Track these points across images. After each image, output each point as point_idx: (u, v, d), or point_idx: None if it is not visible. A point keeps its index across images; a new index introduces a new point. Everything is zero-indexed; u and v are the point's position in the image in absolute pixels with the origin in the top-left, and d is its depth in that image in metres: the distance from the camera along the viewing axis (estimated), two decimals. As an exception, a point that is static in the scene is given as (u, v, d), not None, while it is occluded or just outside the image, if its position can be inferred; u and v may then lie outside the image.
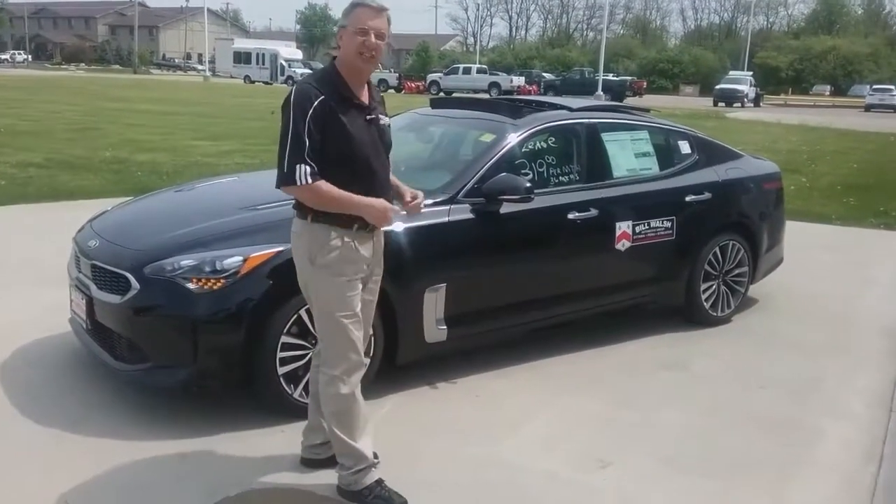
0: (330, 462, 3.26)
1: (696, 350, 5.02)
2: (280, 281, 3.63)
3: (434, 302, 4.10)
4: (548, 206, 4.48)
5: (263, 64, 56.04)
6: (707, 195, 5.29)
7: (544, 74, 55.35)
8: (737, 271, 5.53)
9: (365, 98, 2.95)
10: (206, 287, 3.59)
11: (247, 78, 55.50)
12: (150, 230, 4.01)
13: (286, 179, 2.82)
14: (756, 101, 48.36)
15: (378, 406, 3.98)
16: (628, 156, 5.08)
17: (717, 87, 48.44)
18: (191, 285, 3.59)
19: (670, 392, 4.37)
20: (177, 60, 80.00)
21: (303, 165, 2.76)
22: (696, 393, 4.37)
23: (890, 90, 49.57)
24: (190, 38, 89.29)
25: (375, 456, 3.18)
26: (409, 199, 3.17)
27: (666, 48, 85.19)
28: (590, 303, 4.82)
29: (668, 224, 5.05)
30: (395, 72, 55.63)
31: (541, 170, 4.64)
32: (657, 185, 5.13)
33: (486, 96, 38.50)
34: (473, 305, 4.28)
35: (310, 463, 3.38)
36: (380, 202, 2.92)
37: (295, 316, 3.69)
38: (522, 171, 4.53)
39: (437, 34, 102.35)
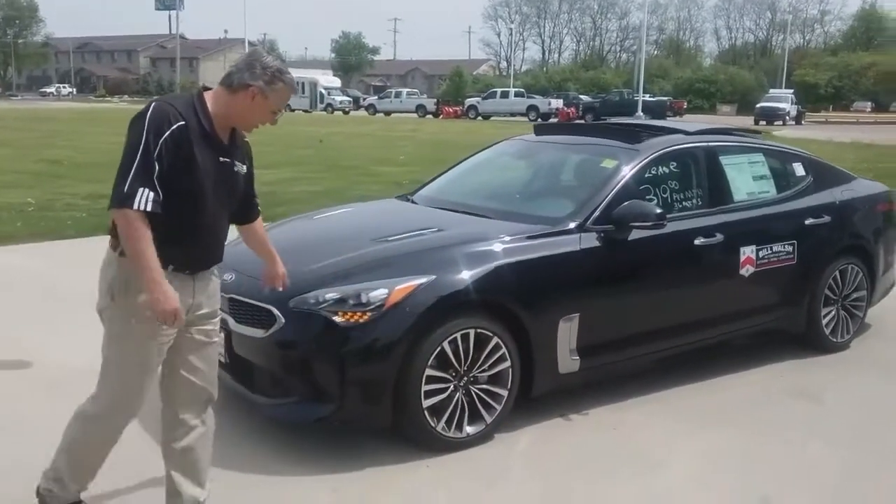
0: None
1: (823, 379, 4.87)
2: (424, 313, 3.59)
3: (568, 332, 4.02)
4: (675, 232, 4.39)
5: (303, 92, 56.73)
6: (826, 218, 5.15)
7: (581, 97, 55.28)
8: (855, 295, 5.37)
9: (224, 138, 2.79)
10: (352, 320, 3.55)
11: (287, 106, 56.10)
12: (287, 263, 3.98)
13: (122, 201, 2.52)
14: (797, 119, 47.79)
15: (514, 440, 3.90)
16: (747, 179, 4.98)
17: (759, 105, 47.97)
18: (337, 318, 3.55)
19: (809, 424, 4.22)
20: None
21: (146, 190, 2.52)
22: (836, 425, 4.21)
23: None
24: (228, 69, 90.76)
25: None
26: (276, 278, 3.24)
27: (701, 67, 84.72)
28: (715, 330, 4.70)
29: (790, 248, 4.93)
30: (430, 97, 56.01)
31: (664, 195, 4.55)
32: (777, 208, 5.01)
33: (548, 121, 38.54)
34: (605, 335, 4.19)
35: None
36: (173, 297, 2.60)
37: (438, 349, 3.63)
38: (647, 197, 4.44)
39: (470, 59, 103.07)
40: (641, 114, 42.70)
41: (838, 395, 4.62)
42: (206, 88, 2.81)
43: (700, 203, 4.67)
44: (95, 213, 10.16)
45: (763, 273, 4.80)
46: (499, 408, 3.86)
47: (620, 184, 4.35)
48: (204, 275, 2.86)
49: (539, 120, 44.66)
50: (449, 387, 3.70)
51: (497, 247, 3.93)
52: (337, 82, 61.94)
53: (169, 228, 2.62)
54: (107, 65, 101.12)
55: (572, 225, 4.15)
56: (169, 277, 2.64)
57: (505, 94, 48.75)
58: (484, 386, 3.80)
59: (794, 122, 46.18)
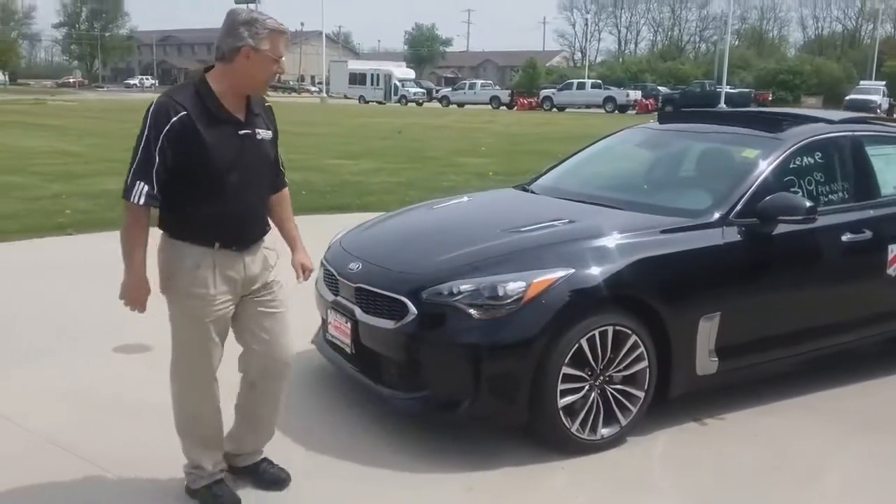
0: (248, 470, 3.22)
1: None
2: (563, 308, 3.42)
3: (708, 331, 3.78)
4: (822, 227, 4.08)
5: (378, 84, 57.09)
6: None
7: (659, 88, 54.00)
8: None
9: (240, 113, 2.79)
10: (489, 314, 3.40)
11: (361, 98, 56.63)
12: (416, 253, 3.87)
13: (124, 192, 2.68)
14: (889, 112, 45.62)
15: (649, 444, 3.70)
16: (893, 171, 4.63)
17: (848, 97, 45.99)
18: (473, 311, 3.41)
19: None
20: (291, 83, 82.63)
21: (143, 184, 2.64)
22: None
23: None
24: (304, 60, 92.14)
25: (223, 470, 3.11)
26: (298, 266, 3.18)
27: (785, 58, 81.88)
28: (859, 333, 4.38)
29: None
30: (504, 88, 55.60)
31: (809, 187, 4.25)
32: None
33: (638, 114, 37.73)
34: (745, 335, 3.94)
35: (232, 471, 3.20)
36: (137, 281, 2.78)
37: (576, 346, 3.45)
38: (791, 189, 4.16)
39: (544, 50, 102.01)
40: (724, 105, 41.40)
41: None
42: (209, 69, 2.79)
43: (847, 196, 4.36)
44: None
45: (902, 271, 4.45)
46: (634, 409, 3.66)
47: (764, 175, 4.07)
48: (253, 248, 2.92)
49: (616, 112, 43.87)
50: (584, 386, 3.52)
51: (636, 240, 3.73)
52: (411, 74, 62.06)
53: (204, 212, 2.76)
54: (187, 57, 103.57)
55: (714, 218, 3.90)
56: (217, 255, 2.80)
57: (581, 86, 47.94)
58: (619, 386, 3.61)
59: (885, 115, 44.15)
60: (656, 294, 3.64)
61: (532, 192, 4.86)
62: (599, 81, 50.38)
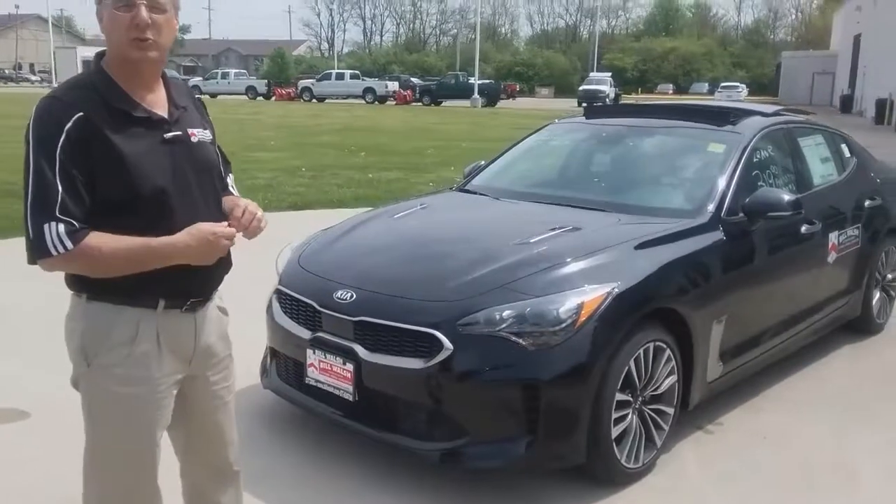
0: None
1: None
2: (616, 327, 3.07)
3: (719, 335, 3.64)
4: (793, 220, 4.11)
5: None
6: (878, 200, 5.12)
7: (413, 79, 55.12)
8: (891, 276, 5.41)
9: (159, 107, 2.00)
10: (540, 341, 2.95)
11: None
12: (427, 276, 3.28)
13: (37, 250, 1.84)
14: (616, 101, 50.42)
15: (674, 461, 3.47)
16: (817, 162, 4.82)
17: (581, 87, 50.12)
18: (521, 340, 2.94)
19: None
20: (7, 71, 73.12)
21: (54, 224, 1.83)
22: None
23: (736, 87, 53.30)
24: (20, 46, 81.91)
25: None
26: (238, 212, 2.11)
27: (518, 52, 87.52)
28: (810, 321, 4.50)
29: (857, 232, 4.83)
30: (259, 78, 53.61)
31: (770, 180, 4.27)
32: (845, 192, 4.90)
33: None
34: (740, 335, 3.85)
35: None
36: (196, 229, 1.95)
37: (626, 368, 3.12)
38: (759, 183, 4.14)
39: (291, 39, 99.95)
40: (478, 96, 43.21)
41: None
42: (101, 54, 2.02)
43: (795, 188, 4.44)
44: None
45: (840, 259, 4.67)
46: (667, 428, 3.42)
47: (739, 170, 4.01)
48: (207, 306, 2.13)
49: (376, 102, 44.02)
50: (629, 412, 3.21)
51: (659, 247, 3.47)
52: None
53: None
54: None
55: (709, 218, 3.76)
56: (161, 319, 2.00)
57: (340, 76, 47.43)
58: (653, 406, 3.34)
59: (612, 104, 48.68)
60: (684, 302, 3.41)
61: (486, 195, 4.42)
62: (358, 73, 50.19)
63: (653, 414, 3.33)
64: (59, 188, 1.83)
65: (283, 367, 3.55)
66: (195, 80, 52.69)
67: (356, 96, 45.30)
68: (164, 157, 1.98)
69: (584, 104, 46.28)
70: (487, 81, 49.12)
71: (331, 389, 3.24)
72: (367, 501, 3.09)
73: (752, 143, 4.19)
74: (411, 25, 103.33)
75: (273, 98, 46.93)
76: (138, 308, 1.98)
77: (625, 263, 3.30)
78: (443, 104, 43.44)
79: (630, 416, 3.21)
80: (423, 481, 3.21)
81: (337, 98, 45.94)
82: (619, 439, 3.16)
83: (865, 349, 5.01)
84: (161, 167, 1.97)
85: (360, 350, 3.12)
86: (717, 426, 3.85)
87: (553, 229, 3.58)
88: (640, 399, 3.25)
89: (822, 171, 4.80)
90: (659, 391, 3.33)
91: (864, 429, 3.85)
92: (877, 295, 5.22)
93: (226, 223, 2.03)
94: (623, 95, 55.52)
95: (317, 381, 3.30)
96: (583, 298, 3.03)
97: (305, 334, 3.34)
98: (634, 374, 3.17)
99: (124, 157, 1.90)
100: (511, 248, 3.41)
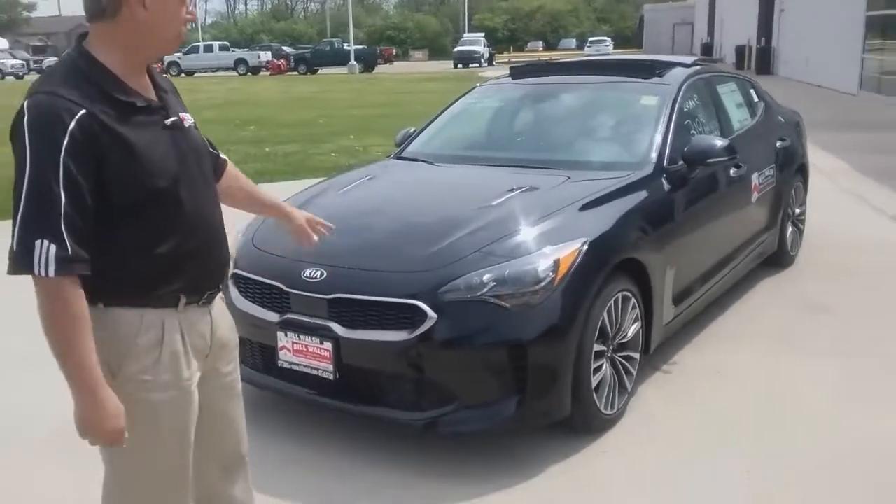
0: None
1: (820, 289, 5.14)
2: (590, 280, 3.15)
3: (671, 279, 3.79)
4: (723, 166, 4.29)
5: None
6: (788, 140, 5.42)
7: (284, 48, 53.64)
8: (798, 210, 5.76)
9: (149, 92, 1.86)
10: (522, 301, 2.98)
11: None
12: (396, 248, 3.23)
13: (19, 261, 1.64)
14: (490, 61, 50.89)
15: (642, 407, 3.58)
16: (733, 108, 5.05)
17: (456, 49, 50.35)
18: (505, 303, 2.96)
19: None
20: None
21: (47, 242, 1.62)
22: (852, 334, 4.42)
23: (604, 41, 54.88)
24: None
25: None
26: (304, 232, 2.34)
27: (389, 15, 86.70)
28: (740, 259, 4.74)
29: (772, 172, 5.11)
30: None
31: (699, 128, 4.44)
32: (760, 134, 5.15)
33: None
34: (687, 277, 4.02)
35: None
36: (102, 402, 1.72)
37: (601, 319, 3.20)
38: (691, 132, 4.30)
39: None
40: (355, 63, 42.62)
41: (843, 302, 4.88)
42: (83, 36, 1.83)
43: (720, 134, 4.62)
44: None
45: (761, 198, 4.93)
46: (634, 373, 3.54)
47: (673, 119, 4.14)
48: (217, 299, 2.06)
49: (249, 74, 42.62)
50: (603, 361, 3.30)
51: (617, 200, 3.55)
52: (4, 44, 53.42)
53: (157, 255, 1.81)
54: None
55: (653, 169, 3.87)
56: (183, 317, 1.89)
57: (209, 49, 45.53)
58: (622, 353, 3.45)
59: (487, 64, 49.07)
60: (644, 252, 3.52)
61: (428, 161, 4.38)
62: (227, 44, 48.35)
63: (623, 361, 3.43)
64: (63, 199, 1.64)
65: (249, 353, 3.42)
66: (49, 60, 49.28)
67: (227, 68, 43.74)
68: (169, 146, 1.85)
69: (460, 65, 46.88)
70: (362, 47, 48.51)
71: (307, 370, 3.16)
72: (354, 475, 3.05)
73: (680, 94, 4.33)
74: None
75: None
76: (160, 308, 1.85)
77: (588, 219, 3.37)
78: (319, 72, 42.59)
79: (604, 365, 3.30)
80: (408, 452, 3.20)
81: (206, 71, 44.20)
82: (597, 388, 3.25)
83: (784, 281, 5.34)
84: (169, 156, 1.84)
85: (338, 328, 3.05)
86: (672, 366, 4.03)
87: (511, 190, 3.60)
88: (611, 348, 3.35)
89: (739, 116, 5.03)
90: (626, 339, 3.43)
91: (800, 357, 4.11)
92: (789, 229, 5.55)
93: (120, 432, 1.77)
94: (496, 55, 56.13)
95: (290, 363, 3.21)
96: (557, 255, 3.07)
97: (273, 317, 3.24)
98: (608, 324, 3.26)
99: (136, 150, 1.75)
100: (475, 212, 3.40)
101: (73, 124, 1.67)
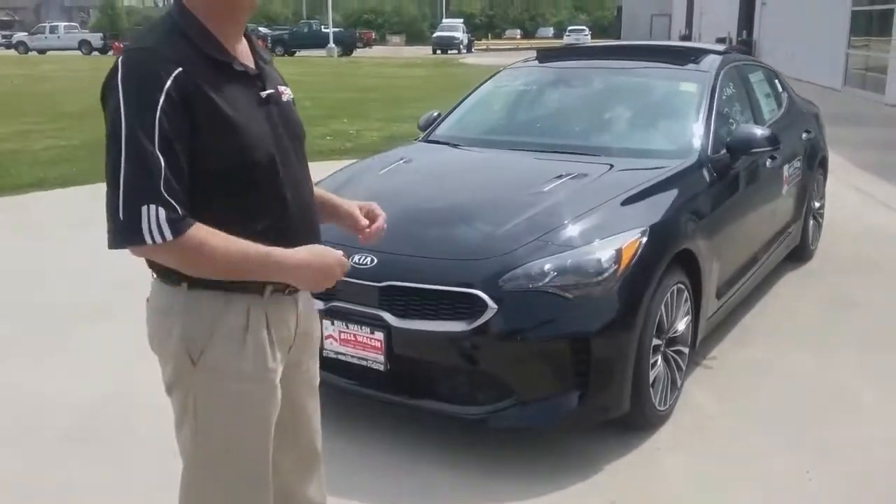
0: None
1: (842, 282, 5.10)
2: (650, 273, 3.03)
3: (716, 272, 3.69)
4: (762, 156, 4.20)
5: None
6: (812, 133, 5.35)
7: (260, 28, 52.81)
8: (818, 204, 5.71)
9: (248, 59, 1.73)
10: (585, 291, 2.86)
11: None
12: (449, 235, 3.08)
13: (127, 235, 1.53)
14: (469, 48, 50.63)
15: (692, 403, 3.48)
16: (763, 97, 4.96)
17: (435, 34, 49.98)
18: (568, 294, 2.84)
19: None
20: None
21: (154, 207, 1.51)
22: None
23: (583, 30, 54.89)
24: None
25: None
26: (362, 221, 2.01)
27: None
28: (771, 251, 4.65)
29: (799, 164, 5.04)
30: (94, 31, 49.63)
31: (737, 117, 4.34)
32: (788, 125, 5.06)
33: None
34: (729, 270, 3.93)
35: None
36: (320, 251, 1.72)
37: (659, 312, 3.10)
38: (729, 121, 4.20)
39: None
40: (334, 45, 42.10)
41: (870, 296, 4.83)
42: None
43: (756, 123, 4.53)
44: None
45: (789, 190, 4.86)
46: (685, 368, 3.45)
47: (714, 108, 4.03)
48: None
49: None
50: (658, 356, 3.19)
51: (666, 191, 3.44)
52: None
53: (250, 234, 1.63)
54: None
55: (697, 157, 3.76)
56: (269, 305, 1.73)
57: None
58: (673, 347, 3.35)
59: (466, 51, 48.82)
60: (697, 243, 3.41)
61: (459, 145, 4.22)
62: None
63: (674, 355, 3.33)
64: (162, 162, 1.52)
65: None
66: (20, 35, 48.13)
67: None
68: (262, 119, 1.70)
69: (439, 51, 46.53)
70: (340, 30, 47.93)
71: (355, 361, 3.02)
72: (401, 473, 2.92)
73: (718, 81, 4.22)
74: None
75: (111, 53, 43.62)
76: (246, 294, 1.70)
77: (643, 209, 3.25)
78: (296, 54, 42.01)
79: (658, 359, 3.20)
80: (456, 448, 3.08)
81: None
82: (652, 384, 3.14)
83: (808, 274, 5.28)
84: (263, 130, 1.69)
85: (389, 317, 2.91)
86: (713, 360, 3.94)
87: (559, 177, 3.46)
88: (664, 342, 3.24)
89: (768, 106, 4.94)
90: (678, 333, 3.33)
91: (838, 351, 4.04)
92: (811, 223, 5.49)
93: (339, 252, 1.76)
94: (474, 41, 55.85)
95: (336, 353, 3.06)
96: (619, 245, 2.96)
97: (318, 304, 3.07)
98: (664, 317, 3.15)
99: (231, 119, 1.61)
100: (527, 198, 3.27)
101: (169, 82, 1.54)
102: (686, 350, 3.43)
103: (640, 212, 3.21)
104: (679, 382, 3.38)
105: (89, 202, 7.52)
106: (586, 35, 54.19)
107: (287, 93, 1.82)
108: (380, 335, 2.93)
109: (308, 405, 2.01)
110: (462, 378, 2.93)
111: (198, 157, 1.58)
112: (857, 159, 9.38)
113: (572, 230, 3.03)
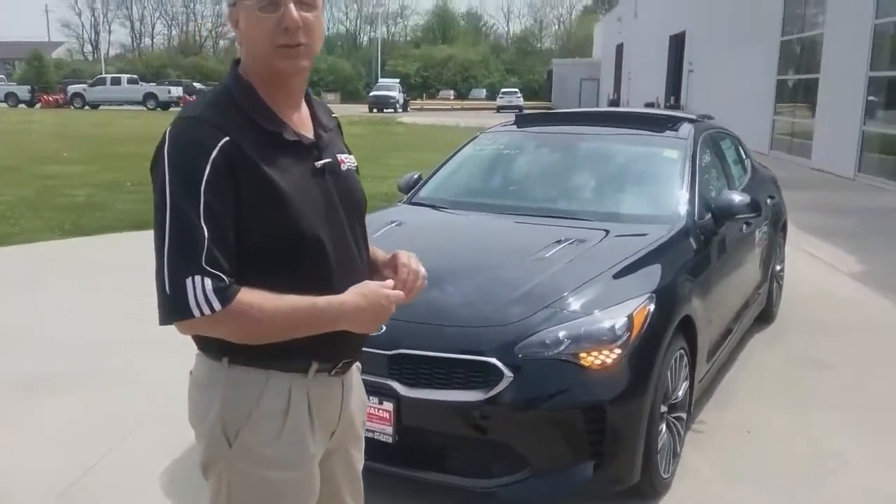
0: None
1: (806, 344, 5.21)
2: (660, 339, 3.03)
3: (708, 335, 3.73)
4: (741, 221, 4.30)
5: None
6: (776, 197, 5.53)
7: (195, 84, 52.43)
8: (779, 267, 5.87)
9: (306, 128, 1.68)
10: (600, 360, 2.83)
11: None
12: (458, 302, 3.02)
13: (175, 309, 1.48)
14: (405, 107, 51.30)
15: (691, 469, 3.47)
16: (732, 164, 5.11)
17: (372, 93, 50.49)
18: (582, 361, 2.81)
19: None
20: None
21: (199, 278, 1.46)
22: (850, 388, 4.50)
23: (515, 92, 56.23)
24: None
25: None
26: (403, 273, 1.76)
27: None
28: (745, 314, 4.74)
29: (766, 228, 5.18)
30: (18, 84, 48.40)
31: (713, 183, 4.45)
32: (755, 190, 5.21)
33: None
34: (715, 333, 3.98)
35: None
36: (367, 290, 1.61)
37: (667, 378, 3.09)
38: (709, 187, 4.30)
39: (49, 41, 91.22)
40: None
41: (843, 357, 4.95)
42: (238, 61, 1.66)
43: (726, 188, 4.65)
44: None
45: (759, 253, 4.98)
46: (684, 434, 3.44)
47: (697, 174, 4.13)
48: (352, 369, 1.82)
49: (159, 109, 41.38)
50: (663, 423, 3.17)
51: (664, 256, 3.48)
52: None
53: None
54: None
55: (685, 223, 3.83)
56: (312, 385, 1.65)
57: (116, 81, 43.92)
58: (674, 413, 3.34)
59: (402, 110, 49.42)
60: (694, 308, 3.44)
61: (445, 208, 4.20)
62: (136, 77, 46.72)
63: (675, 422, 3.32)
64: (206, 233, 1.47)
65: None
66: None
67: (135, 102, 42.29)
68: (316, 191, 1.64)
69: (375, 110, 46.97)
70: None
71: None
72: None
73: (697, 148, 4.34)
74: (184, 28, 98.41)
75: (38, 105, 42.64)
76: (289, 373, 1.62)
77: (645, 275, 3.27)
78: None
79: (663, 427, 3.18)
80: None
81: (113, 105, 42.65)
82: (658, 451, 3.11)
83: (774, 337, 5.38)
84: (315, 203, 1.62)
85: (399, 387, 2.82)
86: (702, 425, 3.94)
87: (559, 242, 3.46)
88: (667, 408, 3.23)
89: (737, 172, 5.10)
90: (678, 398, 3.33)
91: (820, 411, 4.12)
92: (774, 285, 5.63)
93: (389, 282, 1.68)
94: (410, 101, 56.62)
95: (341, 425, 2.93)
96: (629, 311, 2.95)
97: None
98: (669, 384, 3.15)
99: (279, 191, 1.55)
100: (531, 263, 3.26)
101: (215, 152, 1.50)
102: (685, 416, 3.43)
103: (644, 278, 3.23)
104: (679, 449, 3.37)
105: (32, 262, 7.21)
106: (518, 97, 55.43)
107: (347, 161, 1.76)
108: (388, 405, 2.83)
109: (353, 487, 1.91)
110: (474, 449, 2.85)
111: (241, 229, 1.52)
112: (800, 222, 9.72)
113: (582, 297, 3.02)
